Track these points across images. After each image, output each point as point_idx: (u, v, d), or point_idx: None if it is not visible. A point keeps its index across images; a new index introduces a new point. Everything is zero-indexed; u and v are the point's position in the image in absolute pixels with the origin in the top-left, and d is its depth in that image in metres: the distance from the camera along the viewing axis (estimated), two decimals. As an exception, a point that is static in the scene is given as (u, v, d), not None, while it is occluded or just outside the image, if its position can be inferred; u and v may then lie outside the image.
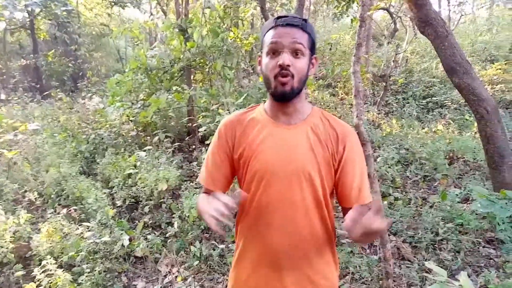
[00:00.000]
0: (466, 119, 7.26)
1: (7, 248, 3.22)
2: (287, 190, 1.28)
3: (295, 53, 1.23)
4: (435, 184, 4.92)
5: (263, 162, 1.30)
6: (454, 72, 3.70)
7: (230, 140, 1.37)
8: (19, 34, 13.83)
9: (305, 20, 1.26)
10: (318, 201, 1.30)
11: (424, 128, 6.85)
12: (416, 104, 8.21)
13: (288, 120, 1.33)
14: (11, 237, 3.30)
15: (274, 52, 1.24)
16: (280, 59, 1.22)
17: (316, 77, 9.14)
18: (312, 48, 1.29)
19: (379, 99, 8.21)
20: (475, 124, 4.61)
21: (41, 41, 13.83)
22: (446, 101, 8.16)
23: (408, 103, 8.38)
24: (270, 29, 1.27)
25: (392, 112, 8.18)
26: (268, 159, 1.29)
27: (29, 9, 11.70)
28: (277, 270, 1.32)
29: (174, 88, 5.79)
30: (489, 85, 8.47)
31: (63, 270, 2.86)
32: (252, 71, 8.55)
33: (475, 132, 6.10)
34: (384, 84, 8.37)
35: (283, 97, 1.27)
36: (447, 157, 5.54)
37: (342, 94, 8.70)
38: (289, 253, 1.31)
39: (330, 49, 9.72)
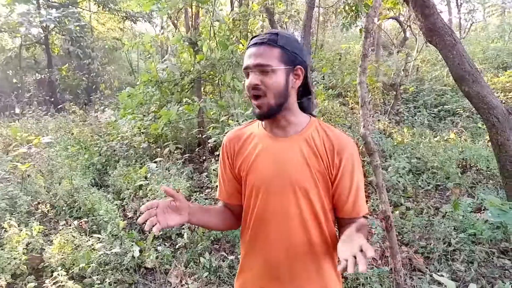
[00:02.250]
0: (479, 127, 7.15)
1: (20, 259, 3.27)
2: (283, 204, 1.29)
3: (263, 71, 1.23)
4: (448, 193, 4.86)
5: (259, 176, 1.32)
6: (463, 81, 3.67)
7: (230, 157, 1.42)
8: (34, 50, 14.15)
9: (276, 34, 1.25)
10: (315, 214, 1.31)
11: (436, 137, 6.78)
12: (428, 113, 8.14)
13: (283, 133, 1.33)
14: (24, 248, 3.35)
15: (247, 74, 1.27)
16: (248, 81, 1.25)
17: (326, 86, 9.15)
18: (291, 60, 1.26)
19: (389, 108, 8.17)
20: (488, 132, 4.56)
21: (55, 55, 14.13)
22: (458, 109, 8.07)
23: (419, 111, 8.31)
24: (247, 50, 1.29)
25: (403, 121, 8.12)
26: (264, 173, 1.31)
27: (44, 25, 12.00)
28: (276, 282, 1.34)
29: (184, 100, 5.85)
30: (501, 92, 8.36)
31: (74, 282, 2.89)
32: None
33: (489, 140, 6.01)
34: (394, 93, 8.33)
35: (262, 117, 1.29)
36: (460, 166, 5.47)
37: (352, 103, 8.68)
38: (287, 266, 1.32)
39: (340, 59, 9.73)
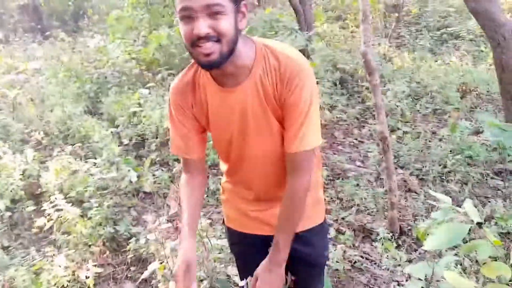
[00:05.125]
0: (482, 51, 6.95)
1: (17, 185, 3.29)
2: (253, 151, 1.27)
3: (213, 15, 1.00)
4: (446, 117, 4.82)
5: (223, 132, 1.28)
6: (471, -4, 3.44)
7: (187, 107, 1.27)
8: (14, -29, 13.23)
9: None
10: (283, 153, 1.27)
11: (437, 61, 6.60)
12: (430, 36, 7.83)
13: (233, 81, 1.17)
14: (20, 175, 3.35)
15: (188, 18, 1.02)
16: (195, 28, 1.00)
17: (325, 9, 8.72)
18: None
19: (390, 31, 7.85)
20: (491, 55, 4.40)
21: (37, -22, 13.24)
22: (462, 32, 7.78)
23: (421, 34, 8.00)
24: None
25: (404, 44, 7.84)
26: (226, 129, 1.26)
27: None
28: (258, 201, 1.40)
29: (175, 22, 5.55)
30: (508, 13, 8.00)
31: (73, 205, 2.92)
32: (257, 4, 8.16)
33: (490, 64, 5.86)
34: (396, 15, 7.97)
35: (211, 67, 1.09)
36: (460, 90, 5.37)
37: (352, 26, 8.32)
38: (268, 193, 1.37)
39: (340, -22, 9.17)
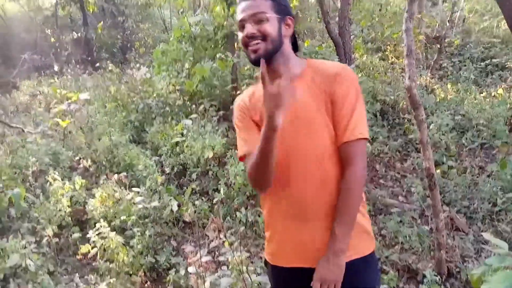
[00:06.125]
0: (531, 82, 6.68)
1: (65, 211, 3.42)
2: (301, 148, 1.34)
3: (258, 21, 1.31)
4: (494, 152, 4.62)
5: None
6: (520, 29, 3.36)
7: (246, 111, 1.46)
8: (70, 8, 14.22)
9: None
10: (331, 150, 1.34)
11: (482, 93, 6.39)
12: (474, 67, 7.63)
13: None
14: (68, 201, 3.49)
15: (242, 27, 1.34)
16: (245, 31, 1.33)
17: (365, 40, 8.73)
18: (282, 10, 1.34)
19: (432, 63, 7.72)
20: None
21: (90, 14, 14.17)
22: (508, 63, 7.52)
23: (465, 66, 7.81)
24: (238, 6, 1.37)
25: (447, 76, 7.68)
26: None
27: (78, -18, 11.94)
28: (304, 221, 1.37)
29: (218, 55, 5.73)
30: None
31: (116, 233, 2.99)
32: (297, 36, 8.28)
33: (541, 96, 5.62)
34: (438, 46, 7.84)
35: (258, 61, 1.29)
36: (508, 123, 5.15)
37: (392, 58, 8.25)
38: (313, 204, 1.35)
39: (380, 10, 9.19)
